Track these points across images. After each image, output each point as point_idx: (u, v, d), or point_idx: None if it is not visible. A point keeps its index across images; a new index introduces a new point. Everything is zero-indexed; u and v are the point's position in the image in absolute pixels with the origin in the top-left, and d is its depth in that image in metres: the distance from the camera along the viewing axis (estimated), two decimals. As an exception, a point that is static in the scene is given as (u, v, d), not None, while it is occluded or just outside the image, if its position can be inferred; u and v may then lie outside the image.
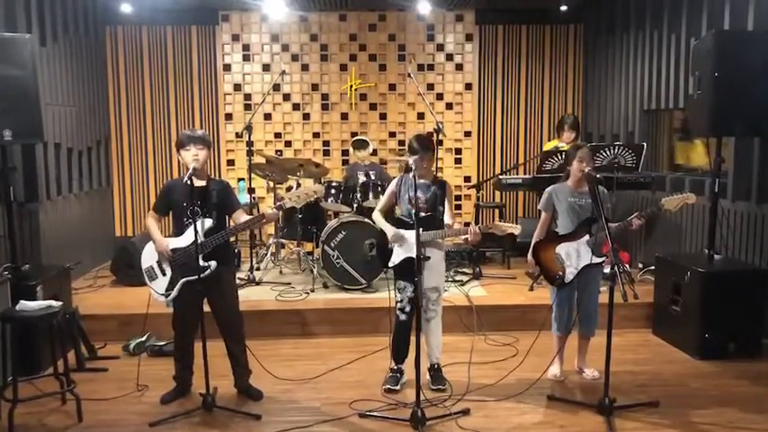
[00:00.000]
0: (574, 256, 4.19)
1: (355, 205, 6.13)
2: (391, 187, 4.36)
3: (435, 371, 4.33)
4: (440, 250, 4.29)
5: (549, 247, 4.27)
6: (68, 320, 4.58)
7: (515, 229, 4.00)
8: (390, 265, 4.25)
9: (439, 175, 4.21)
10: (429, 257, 3.98)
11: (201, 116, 7.81)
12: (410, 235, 4.15)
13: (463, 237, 4.04)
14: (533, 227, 4.53)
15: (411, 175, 4.17)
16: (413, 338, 4.09)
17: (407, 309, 4.22)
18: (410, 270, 4.14)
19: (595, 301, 4.33)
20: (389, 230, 4.20)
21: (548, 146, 6.86)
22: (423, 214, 4.13)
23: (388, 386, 4.24)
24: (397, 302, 4.27)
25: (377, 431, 3.76)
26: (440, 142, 6.12)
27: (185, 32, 7.70)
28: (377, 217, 4.36)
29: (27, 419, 3.87)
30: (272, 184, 7.04)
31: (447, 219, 4.24)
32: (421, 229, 4.06)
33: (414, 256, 4.06)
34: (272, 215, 4.07)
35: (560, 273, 4.21)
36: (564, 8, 7.39)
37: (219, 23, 7.72)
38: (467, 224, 4.22)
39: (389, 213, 4.43)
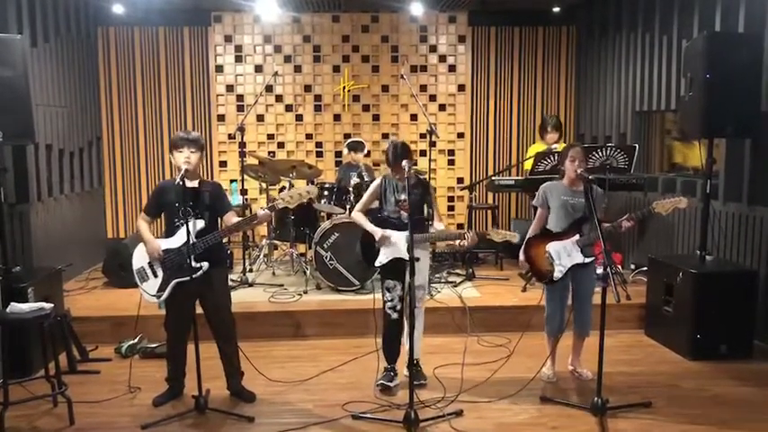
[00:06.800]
0: (563, 254, 4.20)
1: (348, 207, 6.12)
2: (374, 187, 4.37)
3: (415, 366, 4.30)
4: (426, 251, 4.40)
5: (540, 244, 4.28)
6: (60, 322, 4.56)
7: (513, 237, 4.06)
8: (377, 264, 4.27)
9: (421, 176, 4.24)
10: (419, 258, 4.00)
11: (194, 117, 7.79)
12: (397, 236, 4.17)
13: (460, 242, 4.07)
14: (526, 228, 4.54)
15: (396, 177, 4.22)
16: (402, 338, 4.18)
17: (399, 307, 4.24)
18: (398, 269, 4.17)
19: (590, 301, 4.33)
20: (376, 232, 4.22)
21: (533, 148, 6.87)
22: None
23: (383, 382, 4.25)
24: (386, 302, 4.27)
25: (370, 433, 3.76)
26: (432, 144, 6.13)
27: (177, 33, 7.68)
28: (359, 217, 4.38)
29: (18, 422, 3.85)
30: (264, 185, 7.03)
31: (437, 223, 4.33)
32: None
33: (401, 256, 4.13)
34: (265, 216, 4.06)
35: (549, 271, 4.22)
36: (556, 10, 7.42)
37: (212, 24, 7.70)
38: (462, 227, 4.26)
39: (368, 212, 4.45)
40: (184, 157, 3.88)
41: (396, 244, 4.19)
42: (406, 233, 4.13)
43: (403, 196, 4.19)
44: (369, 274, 5.74)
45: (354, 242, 5.71)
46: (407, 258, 4.11)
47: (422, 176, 4.60)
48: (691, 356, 4.83)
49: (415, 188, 4.18)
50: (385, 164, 4.39)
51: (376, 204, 4.46)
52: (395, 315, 4.26)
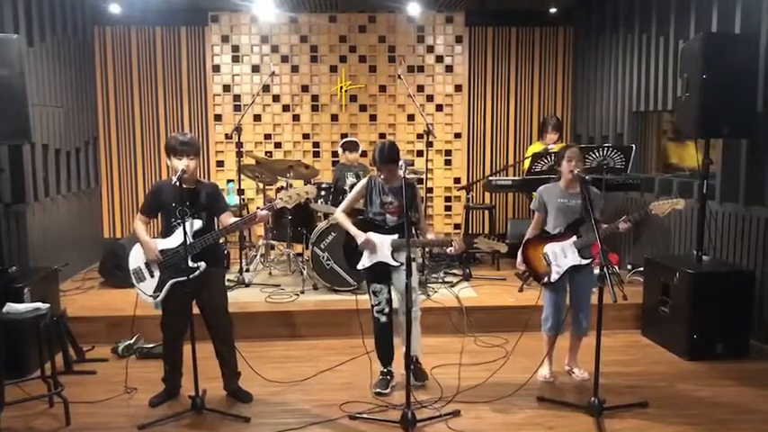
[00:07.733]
0: (560, 256, 4.21)
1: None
2: (359, 188, 4.32)
3: (415, 364, 4.30)
4: (413, 254, 4.34)
5: (538, 246, 4.29)
6: (56, 323, 4.54)
7: (501, 248, 4.07)
8: (360, 267, 4.22)
9: (408, 177, 4.20)
10: (415, 259, 3.99)
11: (190, 117, 7.77)
12: (381, 240, 4.15)
13: (447, 249, 4.06)
14: (523, 228, 4.55)
15: (380, 177, 4.19)
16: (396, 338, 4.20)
17: (387, 310, 4.23)
18: (383, 273, 4.17)
19: (587, 301, 4.34)
20: (359, 236, 4.15)
21: (531, 149, 6.89)
22: (396, 219, 4.17)
23: (379, 390, 4.23)
24: (373, 306, 4.25)
25: (367, 433, 3.76)
26: (430, 144, 6.14)
27: (174, 33, 7.67)
28: (341, 218, 4.30)
29: (14, 423, 3.84)
30: (261, 185, 7.02)
31: (429, 234, 4.30)
32: (397, 235, 4.13)
33: (385, 260, 4.14)
34: (263, 215, 4.05)
35: (547, 272, 4.22)
36: (553, 10, 7.43)
37: (209, 24, 7.70)
38: (449, 235, 4.26)
39: (351, 213, 4.41)
40: (183, 165, 3.85)
41: (380, 248, 4.16)
42: (390, 237, 4.14)
43: (389, 198, 4.18)
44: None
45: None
46: (391, 263, 4.12)
47: (409, 179, 4.57)
48: (687, 356, 4.84)
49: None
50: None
51: (360, 205, 4.43)
52: (384, 318, 4.24)
